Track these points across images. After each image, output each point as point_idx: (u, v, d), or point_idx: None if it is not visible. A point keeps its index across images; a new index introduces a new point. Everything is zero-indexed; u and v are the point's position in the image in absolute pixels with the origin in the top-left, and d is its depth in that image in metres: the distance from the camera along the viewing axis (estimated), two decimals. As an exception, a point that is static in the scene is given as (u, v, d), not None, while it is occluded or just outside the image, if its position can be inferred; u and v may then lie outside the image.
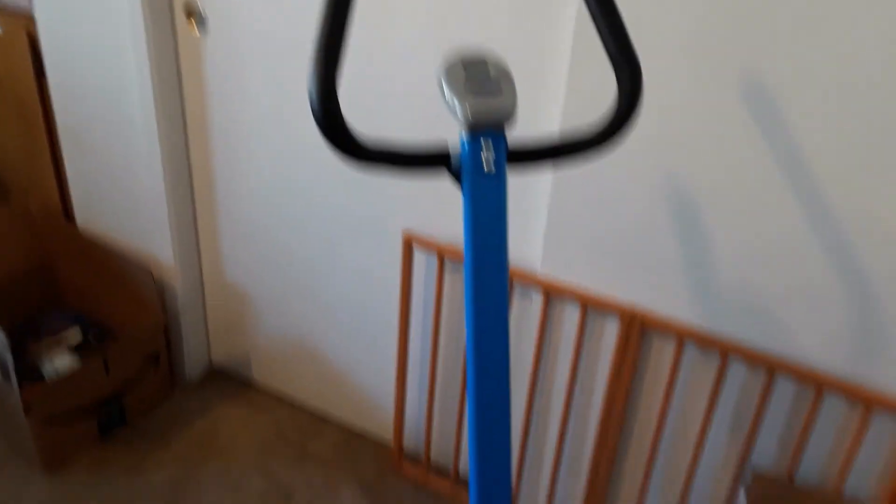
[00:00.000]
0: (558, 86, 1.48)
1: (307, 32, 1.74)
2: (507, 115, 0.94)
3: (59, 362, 2.10)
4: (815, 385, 1.44)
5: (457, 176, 0.99)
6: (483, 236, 0.99)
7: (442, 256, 1.79)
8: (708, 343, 1.52)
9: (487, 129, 0.94)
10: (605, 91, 1.41)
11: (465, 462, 2.07)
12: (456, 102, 0.92)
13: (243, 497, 1.99)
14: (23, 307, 2.34)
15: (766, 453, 1.58)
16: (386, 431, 2.19)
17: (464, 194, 0.98)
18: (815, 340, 1.43)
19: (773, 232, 1.39)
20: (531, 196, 1.63)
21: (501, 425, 1.07)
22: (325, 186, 1.91)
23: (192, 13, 1.88)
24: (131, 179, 2.13)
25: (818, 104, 1.27)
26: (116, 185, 2.17)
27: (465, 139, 0.95)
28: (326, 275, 2.05)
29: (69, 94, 2.12)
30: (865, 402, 1.41)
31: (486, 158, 0.95)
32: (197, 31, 1.90)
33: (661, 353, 1.60)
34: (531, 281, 1.67)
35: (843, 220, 1.33)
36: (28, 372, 2.08)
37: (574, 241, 1.60)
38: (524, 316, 1.76)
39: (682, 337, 1.54)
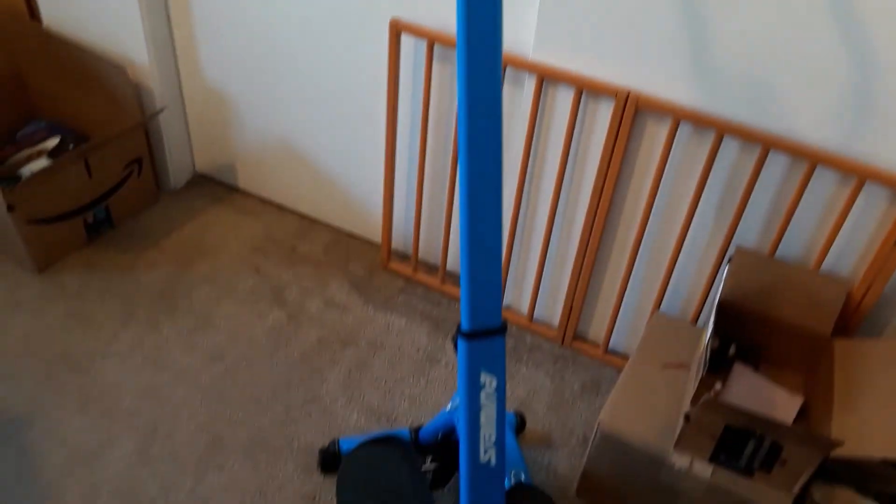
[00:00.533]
0: None
1: None
2: None
3: (39, 167, 2.06)
4: (810, 160, 1.44)
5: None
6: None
7: (432, 43, 1.72)
8: (704, 122, 1.49)
9: None
10: None
11: (452, 258, 2.10)
12: None
13: (236, 294, 2.01)
14: (-5, 117, 2.26)
15: (752, 233, 1.60)
16: (374, 233, 2.20)
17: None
18: (811, 116, 1.41)
19: (772, 8, 1.33)
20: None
21: (493, 208, 1.06)
22: (306, -29, 1.80)
23: None
24: (97, -30, 1.99)
25: None
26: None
27: None
28: (311, 73, 1.97)
29: None
30: (859, 174, 1.41)
31: None
32: None
33: (655, 135, 1.58)
34: (523, 66, 1.62)
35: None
36: (10, 181, 2.03)
37: (569, 24, 1.53)
38: (515, 103, 1.72)
39: (678, 117, 1.51)
